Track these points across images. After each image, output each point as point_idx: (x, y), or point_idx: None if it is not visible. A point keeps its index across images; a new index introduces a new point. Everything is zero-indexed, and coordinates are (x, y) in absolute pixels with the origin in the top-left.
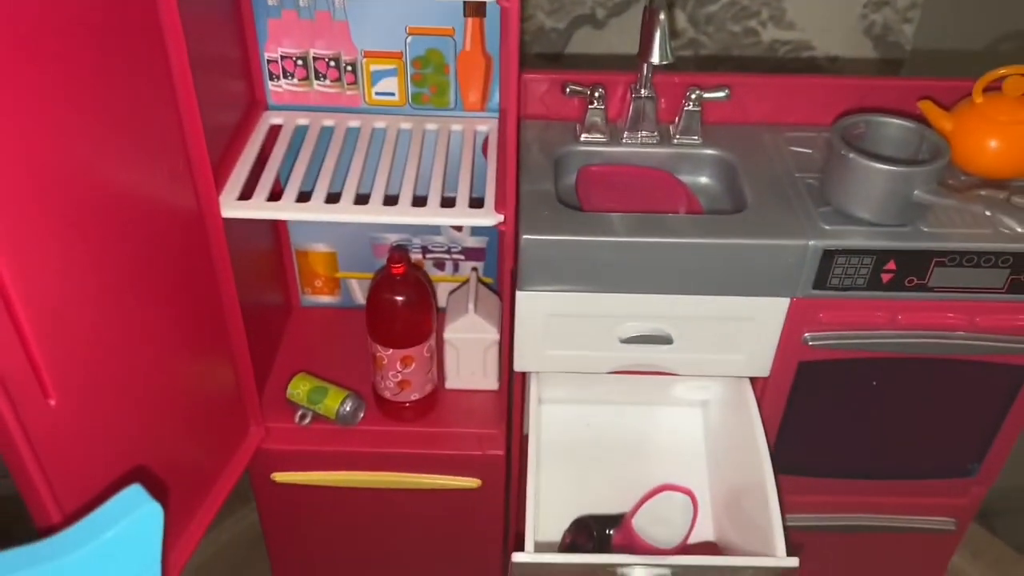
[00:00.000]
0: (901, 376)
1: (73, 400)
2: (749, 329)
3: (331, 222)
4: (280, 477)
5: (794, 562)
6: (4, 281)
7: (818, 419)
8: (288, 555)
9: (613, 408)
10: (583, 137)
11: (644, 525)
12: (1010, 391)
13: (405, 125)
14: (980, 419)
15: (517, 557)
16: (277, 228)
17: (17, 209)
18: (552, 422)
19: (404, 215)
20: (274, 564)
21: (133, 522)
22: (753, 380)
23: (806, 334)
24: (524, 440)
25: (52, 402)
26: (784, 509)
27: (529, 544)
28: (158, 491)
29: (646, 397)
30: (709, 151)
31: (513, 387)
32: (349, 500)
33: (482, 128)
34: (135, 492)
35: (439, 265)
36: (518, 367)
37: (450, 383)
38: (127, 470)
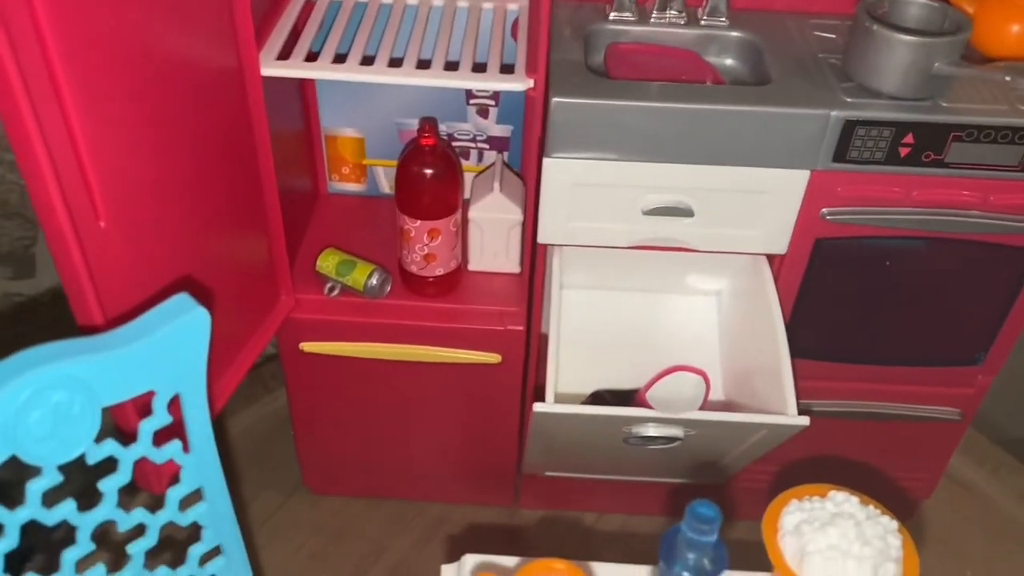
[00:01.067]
0: (914, 256)
1: (120, 227)
2: (769, 203)
3: (360, 105)
4: (308, 347)
5: (805, 420)
6: (72, 123)
7: (831, 301)
8: (311, 425)
9: (630, 295)
10: (612, 16)
11: (657, 402)
12: (1020, 275)
13: (437, 2)
14: (989, 305)
15: (538, 407)
16: (308, 111)
17: (86, 61)
18: (571, 306)
19: (436, 78)
20: (297, 435)
21: (182, 324)
22: (770, 259)
23: (823, 209)
24: (544, 318)
25: (102, 224)
26: (797, 392)
27: (550, 395)
28: None
29: (662, 285)
30: (735, 33)
31: (536, 268)
32: (373, 372)
33: (512, 7)
34: (183, 299)
35: (464, 154)
36: (541, 239)
37: (473, 264)
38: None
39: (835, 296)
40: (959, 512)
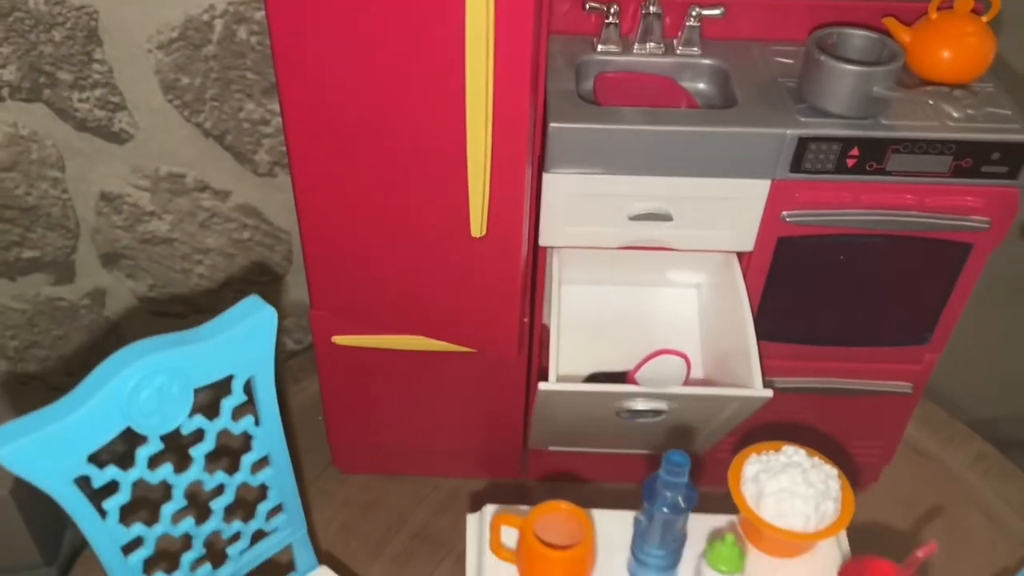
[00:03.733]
0: (864, 251)
1: None
2: (736, 208)
3: None
4: (339, 340)
5: (769, 393)
6: None
7: (793, 291)
8: (340, 410)
9: (620, 289)
10: (600, 48)
11: (644, 382)
12: (955, 266)
13: None
14: (931, 292)
15: (543, 386)
16: None
17: None
18: (569, 300)
19: None
20: (328, 419)
21: (255, 321)
22: (739, 256)
23: (784, 212)
24: (545, 311)
25: None
26: (764, 371)
27: (553, 376)
28: None
29: (648, 280)
30: (707, 61)
31: (537, 267)
32: (396, 361)
33: None
34: (255, 300)
35: None
36: (543, 242)
37: None
38: None
39: (796, 287)
40: (917, 477)
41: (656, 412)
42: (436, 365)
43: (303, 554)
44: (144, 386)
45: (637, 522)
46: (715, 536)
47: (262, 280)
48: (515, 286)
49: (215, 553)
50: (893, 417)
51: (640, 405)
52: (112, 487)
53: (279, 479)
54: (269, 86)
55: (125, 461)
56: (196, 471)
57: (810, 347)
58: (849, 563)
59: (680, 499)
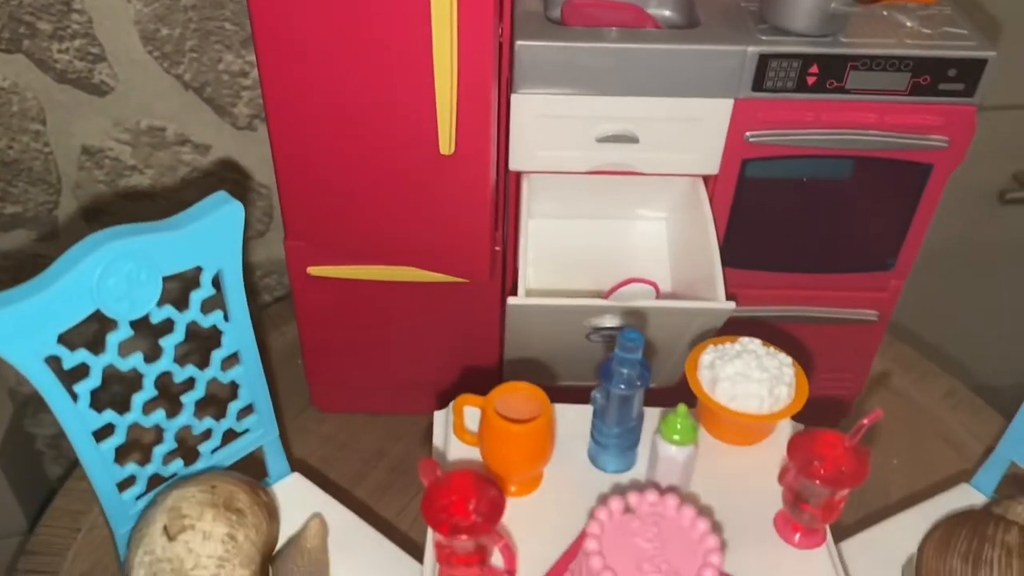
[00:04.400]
0: (826, 174)
1: None
2: (701, 129)
3: None
4: (314, 271)
5: (731, 304)
6: None
7: (758, 216)
8: (318, 347)
9: (591, 223)
10: None
11: None
12: (917, 188)
13: None
14: (894, 215)
15: (511, 300)
16: None
17: None
18: (540, 232)
19: None
20: (306, 357)
21: (222, 214)
22: (706, 181)
23: (747, 132)
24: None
25: None
26: (732, 300)
27: (521, 291)
28: None
29: (618, 212)
30: None
31: (508, 198)
32: (372, 293)
33: None
34: (222, 195)
35: None
36: (513, 166)
37: None
38: None
39: (761, 211)
40: (888, 412)
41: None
42: (411, 297)
43: (275, 460)
44: (113, 271)
45: (594, 400)
46: (668, 412)
47: (244, 236)
48: (485, 205)
49: (188, 451)
50: (861, 345)
51: (608, 322)
52: (83, 372)
53: (249, 378)
54: (247, 37)
55: (96, 348)
56: (166, 362)
57: (776, 274)
58: (797, 435)
59: (635, 376)
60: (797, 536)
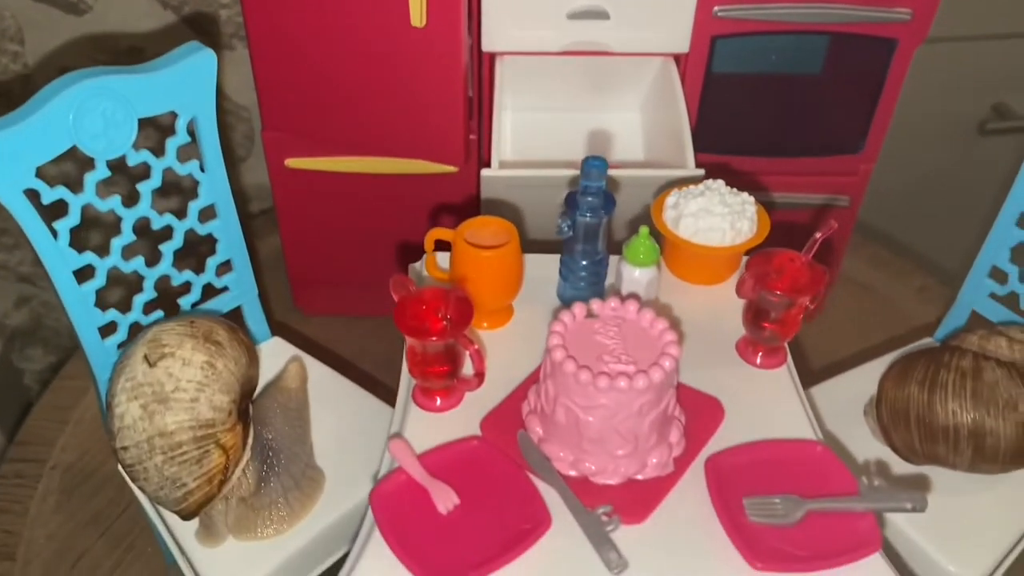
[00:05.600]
0: (794, 50)
1: None
2: (669, 4)
3: None
4: (292, 163)
5: (700, 171)
6: None
7: (729, 97)
8: (298, 245)
9: (566, 115)
10: None
11: None
12: (882, 66)
13: None
14: (862, 95)
15: (485, 172)
16: None
17: None
18: (516, 124)
19: None
20: (287, 255)
21: (195, 61)
22: (677, 61)
23: (715, 7)
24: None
25: None
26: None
27: (495, 163)
28: None
29: (593, 104)
30: None
31: (483, 90)
32: (349, 186)
33: None
34: (195, 44)
35: None
36: (486, 47)
37: None
38: None
39: (732, 92)
40: (862, 309)
41: None
42: (389, 191)
43: (256, 321)
44: (89, 108)
45: (560, 230)
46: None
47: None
48: (458, 83)
49: (169, 305)
50: (833, 234)
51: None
52: (63, 210)
53: (226, 233)
54: None
55: (75, 188)
56: (144, 207)
57: (748, 159)
58: (755, 255)
59: (599, 204)
60: (759, 357)
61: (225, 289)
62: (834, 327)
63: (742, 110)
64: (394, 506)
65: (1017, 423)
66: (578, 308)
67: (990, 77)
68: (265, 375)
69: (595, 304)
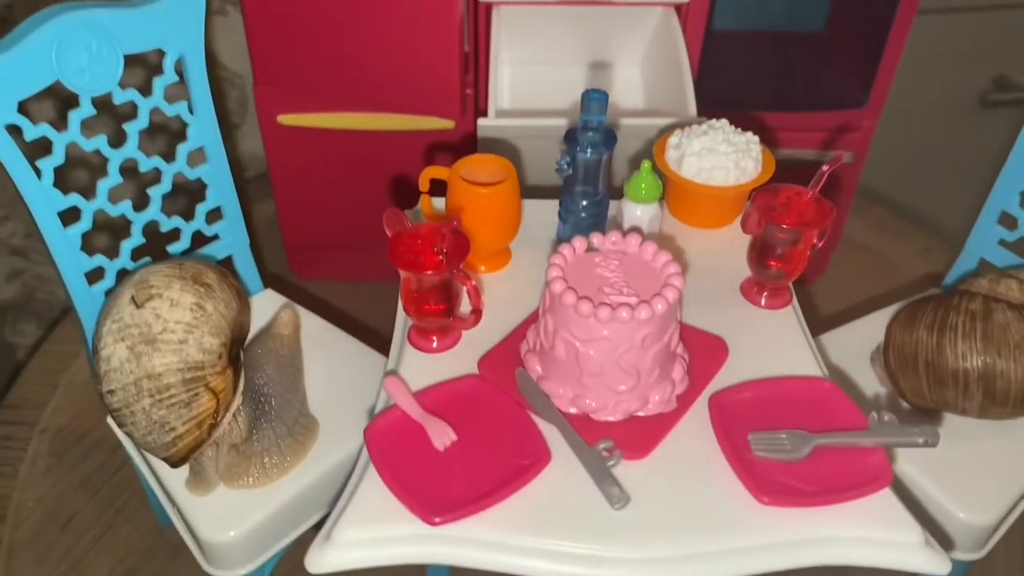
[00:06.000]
0: (798, 5)
1: None
2: None
3: None
4: (284, 119)
5: (703, 119)
6: None
7: (732, 49)
8: (292, 206)
9: (565, 71)
10: None
11: None
12: (887, 17)
13: None
14: (865, 48)
15: (482, 122)
16: None
17: None
18: (514, 78)
19: None
20: (280, 216)
21: None
22: (678, 11)
23: None
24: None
25: None
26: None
27: (492, 112)
28: None
29: (593, 56)
30: None
31: (479, 45)
32: (343, 143)
33: None
34: None
35: None
36: None
37: None
38: None
39: (733, 48)
40: (862, 270)
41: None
42: (383, 149)
43: (248, 272)
44: (72, 41)
45: (560, 169)
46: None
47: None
48: (454, 32)
49: (158, 251)
50: (836, 192)
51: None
52: (47, 149)
53: (216, 178)
54: None
55: (59, 127)
56: (131, 148)
57: (751, 113)
58: (761, 190)
59: (600, 140)
60: (763, 298)
61: (216, 237)
62: (837, 290)
63: (744, 66)
64: (389, 442)
65: None
66: (578, 241)
67: (991, 49)
68: (257, 326)
69: (596, 238)
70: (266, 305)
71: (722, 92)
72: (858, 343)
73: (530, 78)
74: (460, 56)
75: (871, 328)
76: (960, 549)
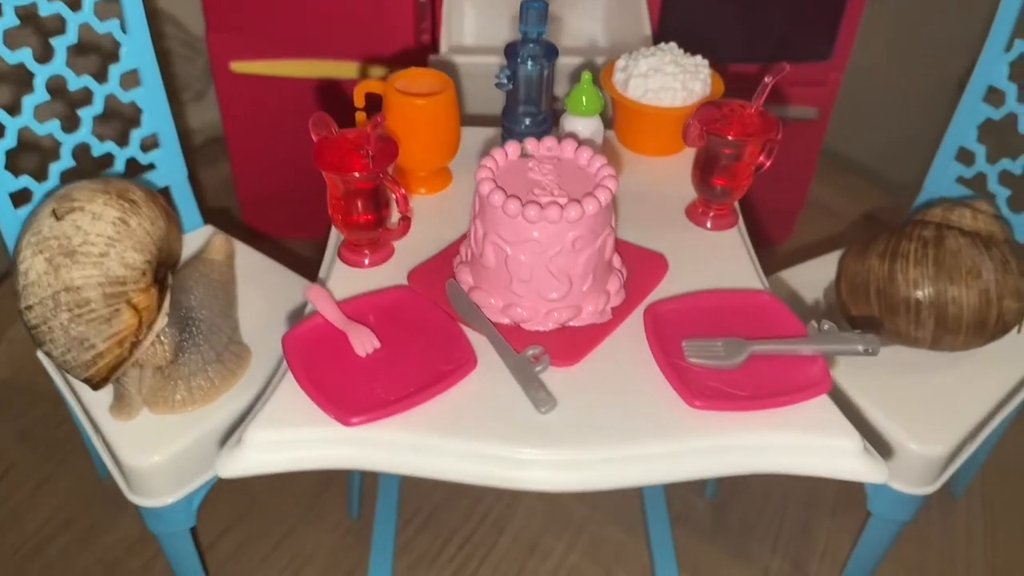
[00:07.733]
0: None
1: None
2: None
3: None
4: (237, 67)
5: None
6: None
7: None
8: (245, 155)
9: None
10: None
11: None
12: None
13: None
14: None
15: (433, 58)
16: None
17: None
18: (468, 26)
19: None
20: (234, 164)
21: None
22: None
23: None
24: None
25: None
26: None
27: (443, 48)
28: None
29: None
30: None
31: None
32: (296, 92)
33: None
34: None
35: None
36: None
37: None
38: None
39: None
40: (826, 232)
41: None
42: (337, 96)
43: (186, 204)
44: None
45: (500, 83)
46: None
47: (181, 98)
48: None
49: (90, 177)
50: (802, 148)
51: None
52: None
53: (151, 103)
54: None
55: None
56: (58, 64)
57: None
58: (704, 104)
59: (541, 53)
60: (709, 220)
61: (151, 167)
62: (801, 252)
63: (706, 17)
64: (308, 348)
65: (980, 290)
66: (511, 146)
67: (967, 33)
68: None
69: (530, 143)
70: (206, 239)
71: (684, 44)
72: (811, 280)
73: (483, 24)
74: (413, 1)
75: (825, 267)
76: (913, 482)
